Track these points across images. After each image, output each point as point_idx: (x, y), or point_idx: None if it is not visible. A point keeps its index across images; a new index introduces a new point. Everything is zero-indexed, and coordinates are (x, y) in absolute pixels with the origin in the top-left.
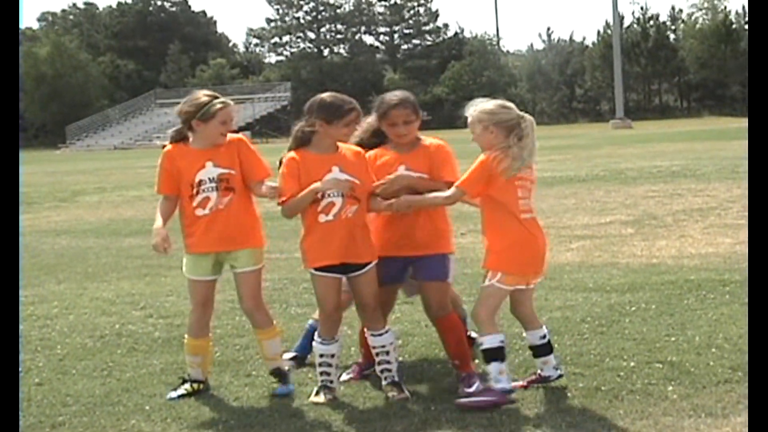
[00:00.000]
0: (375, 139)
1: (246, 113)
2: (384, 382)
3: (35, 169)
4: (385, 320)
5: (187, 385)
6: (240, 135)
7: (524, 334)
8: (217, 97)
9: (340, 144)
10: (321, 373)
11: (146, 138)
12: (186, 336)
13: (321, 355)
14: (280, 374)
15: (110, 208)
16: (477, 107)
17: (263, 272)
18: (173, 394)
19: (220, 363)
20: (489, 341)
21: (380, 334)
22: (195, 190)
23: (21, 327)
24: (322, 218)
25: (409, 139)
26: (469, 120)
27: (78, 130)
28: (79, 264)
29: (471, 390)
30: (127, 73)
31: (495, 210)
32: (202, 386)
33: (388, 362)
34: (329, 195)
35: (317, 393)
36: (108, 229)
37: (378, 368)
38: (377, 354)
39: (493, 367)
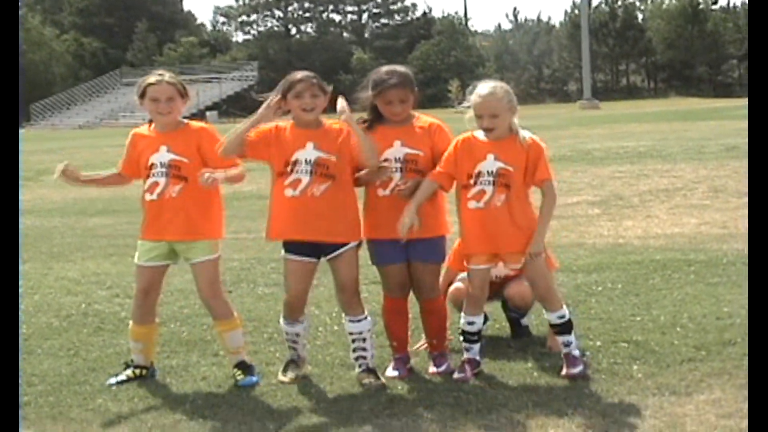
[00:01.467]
0: (375, 115)
1: (213, 92)
2: (358, 370)
3: None
4: (407, 298)
5: (129, 371)
6: (203, 124)
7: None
8: (154, 75)
9: (328, 121)
10: (288, 347)
11: (112, 117)
12: (130, 321)
13: (286, 333)
14: (243, 367)
15: (75, 187)
16: (498, 87)
17: (220, 262)
18: (113, 380)
19: (187, 342)
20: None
21: (358, 320)
22: (147, 173)
23: None
24: (288, 192)
25: (404, 116)
26: (495, 98)
27: (42, 109)
28: (44, 243)
29: (440, 369)
30: (92, 51)
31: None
32: (145, 372)
33: (364, 349)
34: (297, 171)
35: (284, 369)
36: (73, 209)
37: (353, 355)
38: (353, 340)
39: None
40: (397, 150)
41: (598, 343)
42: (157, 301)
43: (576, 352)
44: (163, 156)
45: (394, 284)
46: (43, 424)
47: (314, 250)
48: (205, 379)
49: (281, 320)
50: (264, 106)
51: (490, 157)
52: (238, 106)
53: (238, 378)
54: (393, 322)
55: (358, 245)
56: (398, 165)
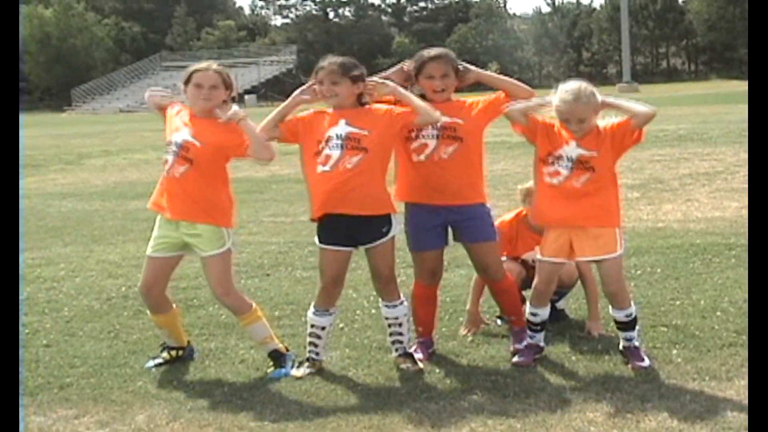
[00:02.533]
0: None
1: (251, 76)
2: (395, 354)
3: (40, 132)
4: (437, 285)
5: (165, 353)
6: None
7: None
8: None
9: (374, 105)
10: (309, 344)
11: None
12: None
13: (312, 326)
14: (276, 356)
15: (116, 171)
16: (582, 91)
17: (230, 256)
18: (151, 363)
19: (225, 326)
20: None
21: (394, 306)
22: (166, 149)
23: (28, 289)
24: (319, 168)
25: (447, 95)
26: (581, 104)
27: (83, 93)
28: (85, 227)
29: (521, 346)
30: (132, 35)
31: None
32: (181, 352)
33: (401, 334)
34: (329, 147)
35: (299, 365)
36: (114, 192)
37: (389, 339)
38: (389, 325)
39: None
40: None
41: (638, 328)
42: (164, 291)
43: (637, 343)
44: (180, 135)
45: (426, 270)
46: (85, 405)
47: (350, 239)
48: (244, 362)
49: (311, 311)
50: (298, 90)
51: (572, 143)
52: (276, 89)
53: (269, 370)
54: (421, 307)
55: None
56: (435, 132)
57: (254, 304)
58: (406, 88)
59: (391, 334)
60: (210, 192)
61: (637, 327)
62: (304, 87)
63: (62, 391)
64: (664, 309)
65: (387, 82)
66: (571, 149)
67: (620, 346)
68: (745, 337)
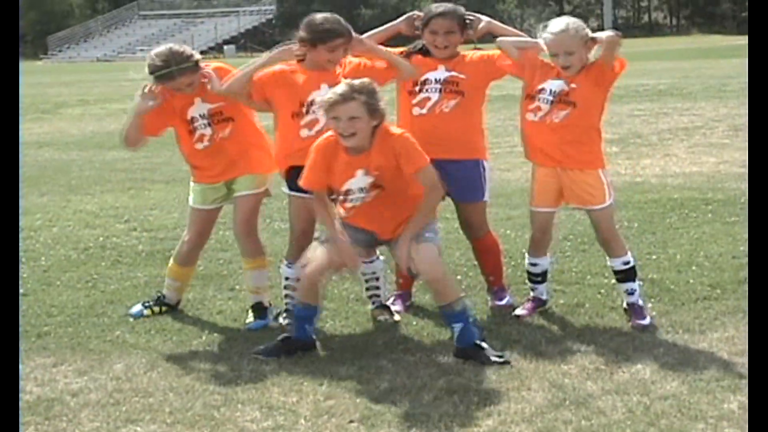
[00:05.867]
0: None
1: (231, 26)
2: (372, 306)
3: None
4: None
5: (156, 307)
6: (218, 63)
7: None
8: (187, 57)
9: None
10: (285, 296)
11: (129, 50)
12: (171, 260)
13: (286, 278)
14: (259, 309)
15: (93, 120)
16: (570, 23)
17: (261, 199)
18: (135, 311)
19: (203, 277)
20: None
21: (371, 261)
22: (189, 127)
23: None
24: (304, 132)
25: (450, 52)
26: (568, 35)
27: (59, 41)
28: (62, 177)
29: (501, 303)
30: None
31: None
32: (168, 310)
33: (377, 288)
34: (313, 111)
35: (277, 316)
36: (91, 142)
37: (366, 293)
38: (366, 280)
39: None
40: (440, 73)
41: (613, 281)
42: (205, 244)
43: (641, 302)
44: (200, 108)
45: None
46: (62, 354)
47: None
48: (221, 313)
49: (283, 264)
50: (282, 49)
51: (558, 79)
52: (256, 40)
53: (248, 321)
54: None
55: None
56: (438, 86)
57: (267, 255)
58: (414, 38)
59: (367, 289)
60: (252, 141)
61: (637, 279)
62: (284, 48)
63: (40, 340)
64: (641, 263)
65: (363, 39)
66: (555, 83)
67: (624, 304)
68: (719, 291)
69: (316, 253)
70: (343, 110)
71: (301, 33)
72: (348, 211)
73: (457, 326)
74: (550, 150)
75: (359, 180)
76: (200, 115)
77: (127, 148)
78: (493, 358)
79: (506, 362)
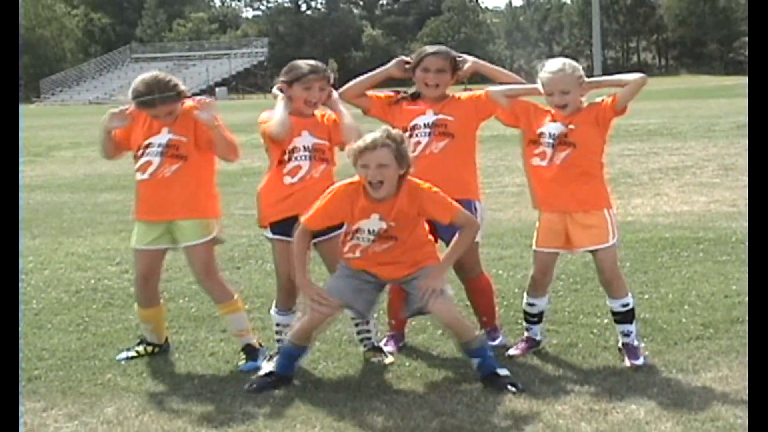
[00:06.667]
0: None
1: (223, 69)
2: (364, 348)
3: None
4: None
5: (141, 347)
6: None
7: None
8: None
9: (320, 111)
10: (277, 341)
11: (121, 93)
12: (135, 303)
13: (277, 324)
14: (249, 350)
15: (85, 163)
16: (566, 63)
17: (212, 245)
18: (123, 355)
19: (195, 318)
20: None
21: None
22: (140, 152)
23: None
24: (287, 180)
25: (440, 92)
26: (564, 74)
27: (52, 84)
28: (53, 219)
29: (494, 343)
30: (102, 26)
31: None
32: (157, 350)
33: (368, 330)
34: (295, 158)
35: (270, 358)
36: (83, 185)
37: (357, 336)
38: (357, 323)
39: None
40: (428, 117)
41: (606, 321)
42: (158, 283)
43: (636, 342)
44: (163, 137)
45: None
46: (53, 398)
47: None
48: (214, 355)
49: (273, 310)
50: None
51: (555, 121)
52: (247, 82)
53: (240, 363)
54: (397, 302)
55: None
56: (427, 130)
57: (236, 295)
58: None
59: (358, 331)
60: (200, 183)
61: (635, 322)
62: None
63: (30, 384)
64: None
65: (335, 98)
66: (553, 126)
67: (619, 343)
68: (712, 330)
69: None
70: (373, 157)
71: (281, 76)
72: (352, 251)
73: (476, 360)
74: (555, 193)
75: (372, 222)
76: (158, 144)
77: (108, 159)
78: (509, 387)
79: (521, 390)
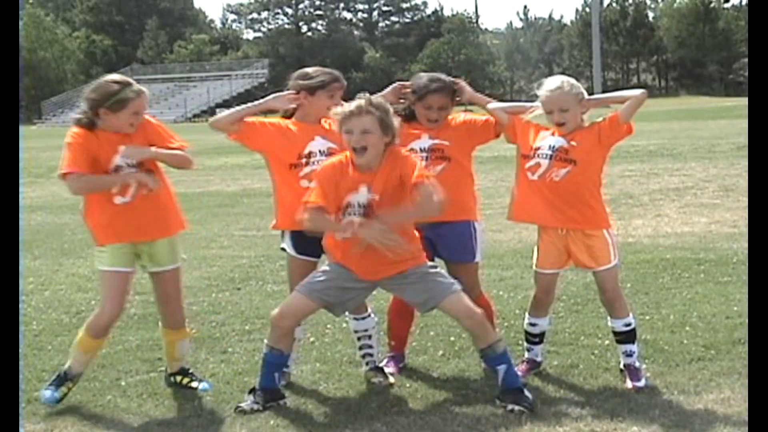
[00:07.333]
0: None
1: (223, 90)
2: (366, 368)
3: None
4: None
5: (65, 387)
6: (148, 117)
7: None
8: (129, 84)
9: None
10: (359, 347)
11: None
12: (83, 332)
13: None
14: (186, 372)
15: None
16: (565, 81)
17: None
18: (46, 395)
19: (196, 340)
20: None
21: (363, 318)
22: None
23: None
24: (304, 183)
25: (440, 124)
26: (563, 92)
27: (54, 106)
28: (54, 240)
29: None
30: (103, 48)
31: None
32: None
33: (370, 347)
34: (314, 163)
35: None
36: None
37: (360, 352)
38: (359, 338)
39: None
40: (424, 141)
41: (607, 342)
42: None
43: (638, 364)
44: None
45: None
46: (53, 420)
47: (316, 249)
48: (214, 376)
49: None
50: (277, 95)
51: (555, 136)
52: (248, 103)
53: (194, 385)
54: (396, 322)
55: None
56: (424, 155)
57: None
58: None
59: (360, 348)
60: (163, 203)
61: (636, 342)
62: (280, 95)
63: (30, 405)
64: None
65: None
66: (554, 139)
67: (621, 364)
68: (713, 352)
69: (291, 301)
70: (358, 123)
71: (299, 82)
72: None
73: (502, 368)
74: (552, 209)
75: (361, 195)
76: (127, 164)
77: (216, 127)
78: (526, 407)
79: (532, 410)
